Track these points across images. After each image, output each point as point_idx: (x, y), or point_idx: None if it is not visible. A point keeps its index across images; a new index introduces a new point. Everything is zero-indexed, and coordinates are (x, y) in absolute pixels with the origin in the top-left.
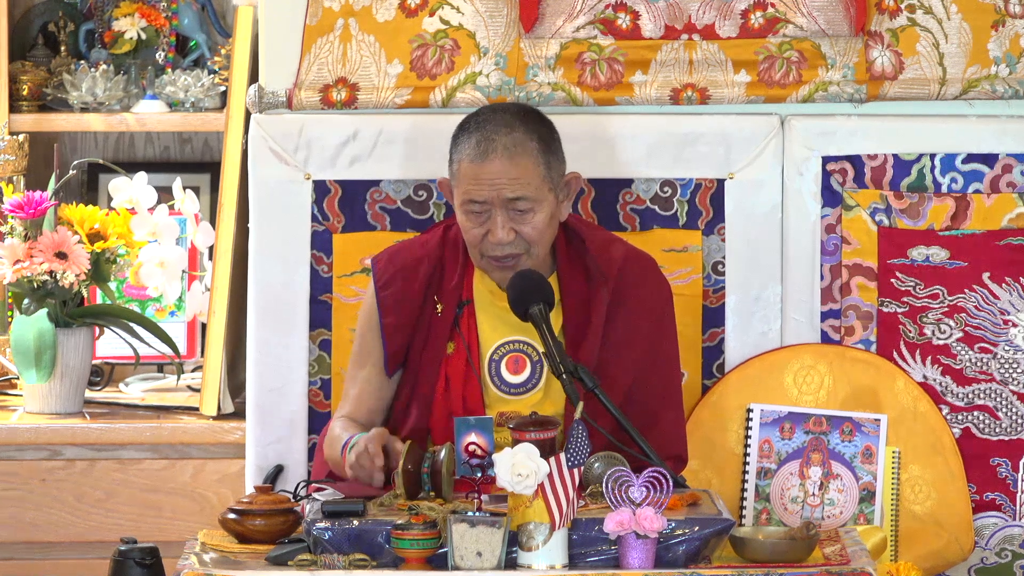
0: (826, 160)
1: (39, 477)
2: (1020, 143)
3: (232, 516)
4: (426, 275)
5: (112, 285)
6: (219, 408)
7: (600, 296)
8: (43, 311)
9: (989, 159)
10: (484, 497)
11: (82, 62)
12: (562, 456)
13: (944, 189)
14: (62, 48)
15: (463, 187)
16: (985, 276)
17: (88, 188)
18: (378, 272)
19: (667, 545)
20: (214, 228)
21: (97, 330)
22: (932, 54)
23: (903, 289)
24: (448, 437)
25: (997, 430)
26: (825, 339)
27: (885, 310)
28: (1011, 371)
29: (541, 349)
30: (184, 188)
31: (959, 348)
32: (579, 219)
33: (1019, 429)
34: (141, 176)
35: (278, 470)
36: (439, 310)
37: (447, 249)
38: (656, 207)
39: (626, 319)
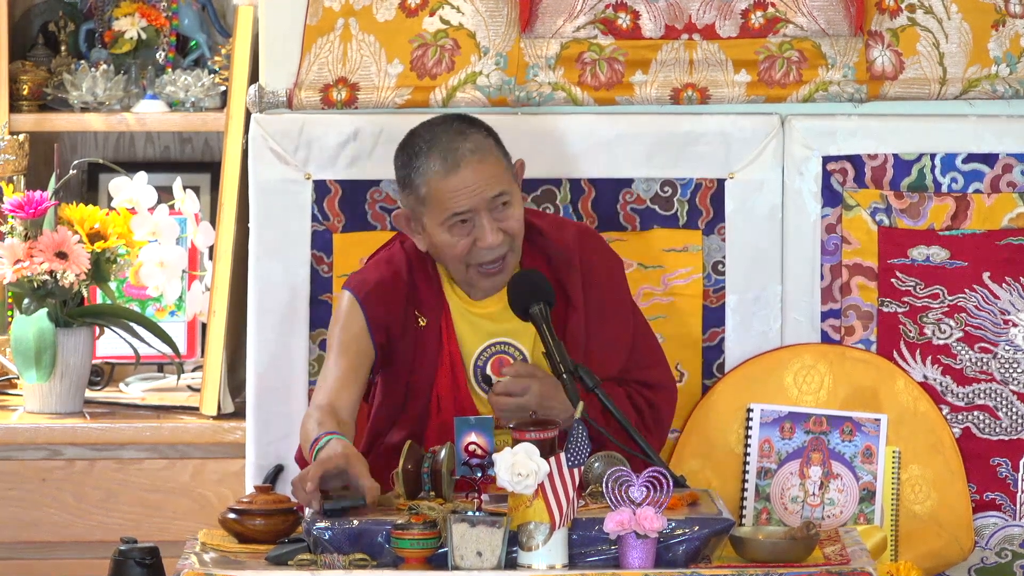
0: (826, 160)
1: (39, 477)
2: (1020, 143)
3: (232, 516)
4: (403, 293)
5: (112, 285)
6: (219, 408)
7: (573, 280)
8: (43, 311)
9: (989, 159)
10: (484, 497)
11: (82, 62)
12: (562, 456)
13: (944, 189)
14: (62, 48)
15: (442, 205)
16: (985, 276)
17: (88, 188)
18: (354, 287)
19: (667, 545)
20: (214, 228)
21: (97, 330)
22: (932, 54)
23: (903, 289)
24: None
25: (997, 430)
26: (825, 339)
27: (885, 310)
28: (1011, 371)
29: (524, 349)
30: (184, 188)
31: (959, 348)
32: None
33: (1019, 429)
34: (141, 176)
35: (278, 470)
36: (422, 324)
37: (414, 262)
38: (656, 207)
39: (597, 293)
